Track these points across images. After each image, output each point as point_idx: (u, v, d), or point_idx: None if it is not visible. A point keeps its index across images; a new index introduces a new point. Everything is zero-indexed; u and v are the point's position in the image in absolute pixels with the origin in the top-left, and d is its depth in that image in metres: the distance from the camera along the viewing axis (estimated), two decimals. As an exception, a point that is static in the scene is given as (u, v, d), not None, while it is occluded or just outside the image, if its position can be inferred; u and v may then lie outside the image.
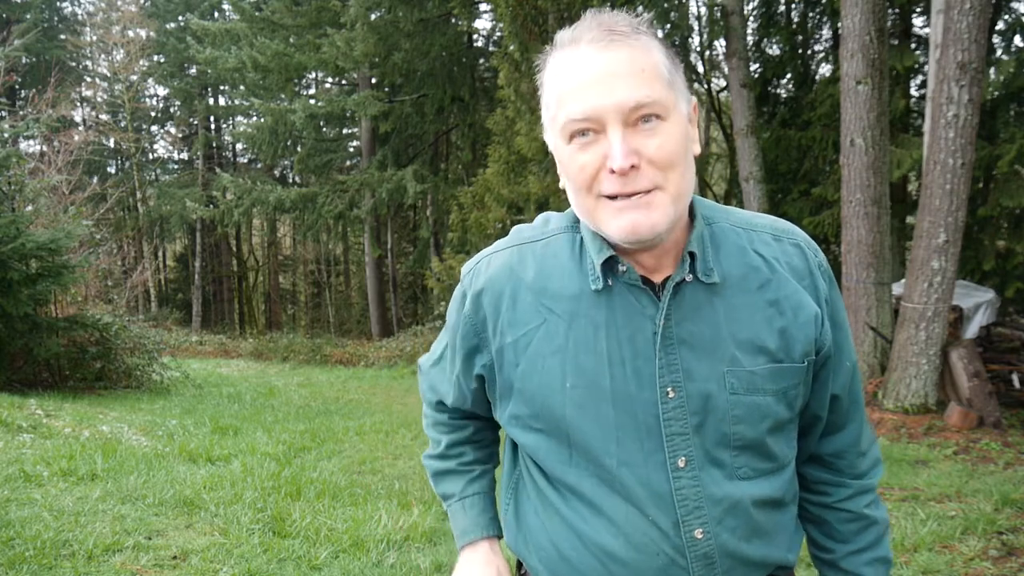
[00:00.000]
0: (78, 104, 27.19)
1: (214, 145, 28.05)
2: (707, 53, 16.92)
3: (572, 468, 1.05)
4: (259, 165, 27.57)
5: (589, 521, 1.05)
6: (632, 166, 0.92)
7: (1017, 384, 6.92)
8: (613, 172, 0.92)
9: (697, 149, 1.01)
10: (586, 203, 0.98)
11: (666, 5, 11.19)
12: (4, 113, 12.76)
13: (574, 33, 0.96)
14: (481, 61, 19.01)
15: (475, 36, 19.30)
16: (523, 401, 1.07)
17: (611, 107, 0.91)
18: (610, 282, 1.02)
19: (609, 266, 1.02)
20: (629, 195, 0.93)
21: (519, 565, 1.24)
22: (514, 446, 1.17)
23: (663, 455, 1.00)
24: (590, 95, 0.92)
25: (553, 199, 10.99)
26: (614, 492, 1.02)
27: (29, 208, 9.68)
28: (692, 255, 1.01)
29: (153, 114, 28.60)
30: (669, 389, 1.00)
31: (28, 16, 24.56)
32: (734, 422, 1.01)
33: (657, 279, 1.02)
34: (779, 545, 1.09)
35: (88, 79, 27.40)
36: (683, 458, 1.00)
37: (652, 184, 0.94)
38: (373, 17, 16.61)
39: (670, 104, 0.95)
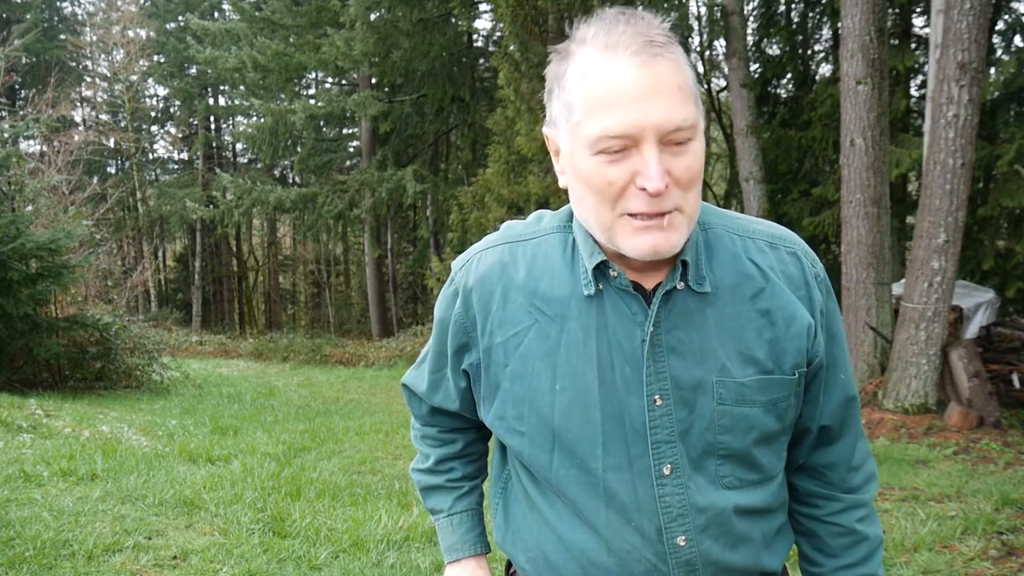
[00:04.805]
0: (78, 104, 27.19)
1: (214, 145, 28.05)
2: (707, 53, 16.93)
3: (557, 471, 1.04)
4: (259, 165, 27.54)
5: (572, 525, 1.05)
6: (665, 186, 0.90)
7: (1017, 384, 6.92)
8: (643, 190, 0.91)
9: None
10: (605, 218, 0.95)
11: (666, 5, 11.20)
12: (4, 113, 12.75)
13: (609, 38, 0.91)
14: (481, 61, 19.00)
15: (475, 36, 19.30)
16: (510, 402, 1.06)
17: (651, 125, 0.89)
18: (601, 286, 1.01)
19: (600, 270, 1.01)
20: (653, 215, 0.92)
21: (508, 564, 1.24)
22: (502, 445, 1.17)
23: (649, 461, 1.00)
24: (630, 111, 0.89)
25: (553, 199, 10.97)
26: (598, 497, 1.02)
27: (29, 208, 9.67)
28: (685, 263, 1.00)
29: (153, 114, 28.60)
30: (656, 396, 0.99)
31: (28, 16, 24.58)
32: (720, 432, 1.00)
33: (649, 285, 1.01)
34: (763, 552, 1.08)
35: (88, 79, 27.41)
36: (668, 465, 1.00)
37: (674, 205, 0.92)
38: (373, 17, 16.61)
39: (698, 122, 0.93)
